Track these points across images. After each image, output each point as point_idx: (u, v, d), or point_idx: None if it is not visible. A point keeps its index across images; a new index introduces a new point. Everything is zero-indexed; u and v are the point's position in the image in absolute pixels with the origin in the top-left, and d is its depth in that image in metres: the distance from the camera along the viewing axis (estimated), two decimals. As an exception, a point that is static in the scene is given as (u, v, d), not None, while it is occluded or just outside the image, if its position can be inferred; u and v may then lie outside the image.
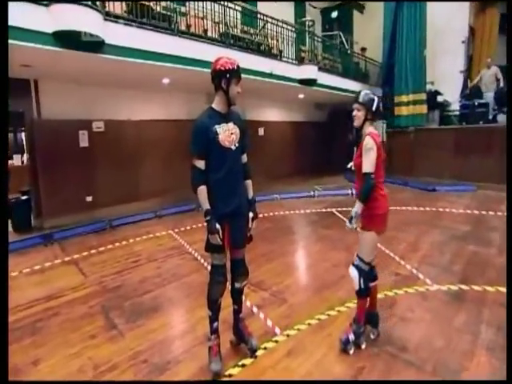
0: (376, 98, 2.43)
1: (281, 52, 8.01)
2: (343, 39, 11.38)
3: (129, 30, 4.87)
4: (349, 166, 2.53)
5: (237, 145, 2.36)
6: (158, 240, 5.35)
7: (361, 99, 2.44)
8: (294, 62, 8.01)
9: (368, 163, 2.33)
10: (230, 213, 2.33)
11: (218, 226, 2.27)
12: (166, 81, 6.61)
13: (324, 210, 6.91)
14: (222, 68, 2.25)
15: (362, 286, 2.50)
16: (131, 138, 7.22)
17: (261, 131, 10.25)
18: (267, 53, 7.53)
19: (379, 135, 2.43)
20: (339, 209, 6.92)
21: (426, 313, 3.09)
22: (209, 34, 6.47)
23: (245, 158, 2.48)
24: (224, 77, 2.26)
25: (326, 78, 8.79)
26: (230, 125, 2.35)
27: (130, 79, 6.36)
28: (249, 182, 2.50)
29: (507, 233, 4.76)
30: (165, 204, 7.32)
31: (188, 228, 5.91)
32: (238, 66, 2.29)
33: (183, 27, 5.95)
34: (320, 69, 8.57)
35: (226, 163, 2.29)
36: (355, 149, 2.47)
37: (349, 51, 11.31)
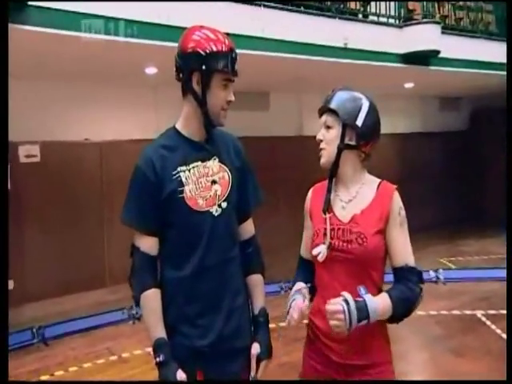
0: (366, 104, 2.23)
1: (365, 5, 8.09)
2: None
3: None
4: (316, 252, 2.16)
5: (223, 205, 2.25)
6: (125, 368, 5.33)
7: (333, 103, 2.23)
8: (391, 21, 8.14)
9: (409, 247, 2.19)
10: (206, 348, 2.20)
11: (180, 375, 2.11)
12: (150, 70, 6.89)
13: (457, 313, 6.72)
14: (196, 50, 2.12)
15: None
16: (91, 173, 7.39)
17: (330, 154, 10.16)
18: (337, 9, 7.49)
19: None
20: (491, 311, 6.67)
21: None
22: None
23: (248, 227, 2.43)
24: (197, 68, 2.13)
25: (459, 47, 8.81)
26: (212, 164, 2.27)
27: (86, 68, 6.51)
28: (257, 280, 2.41)
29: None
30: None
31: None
32: (230, 49, 2.17)
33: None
34: (446, 29, 8.64)
35: (199, 244, 2.19)
36: (326, 215, 2.21)
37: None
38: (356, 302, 1.94)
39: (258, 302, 2.38)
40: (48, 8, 4.79)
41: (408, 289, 2.08)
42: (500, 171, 11.75)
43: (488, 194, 12.48)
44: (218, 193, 2.24)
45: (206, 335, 2.20)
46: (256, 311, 2.36)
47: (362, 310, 1.94)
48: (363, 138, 2.18)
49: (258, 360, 2.27)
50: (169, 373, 2.10)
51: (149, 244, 2.19)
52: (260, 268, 2.42)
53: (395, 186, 2.21)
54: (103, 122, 7.51)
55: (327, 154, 2.24)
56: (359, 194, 2.22)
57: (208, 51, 2.10)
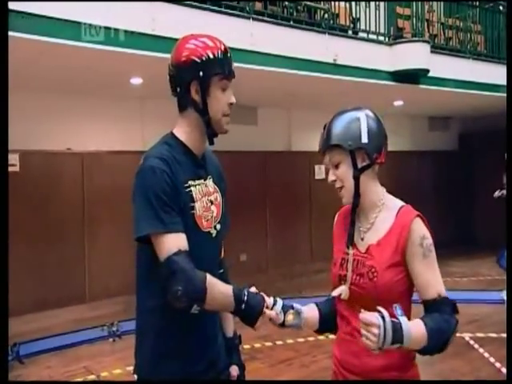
0: (363, 118, 2.08)
1: (355, 22, 8.16)
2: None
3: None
4: (337, 294, 2.11)
5: (218, 227, 2.21)
6: (102, 389, 5.53)
7: (334, 137, 2.08)
8: (381, 39, 8.26)
9: (439, 277, 2.07)
10: (197, 375, 2.14)
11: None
12: (136, 81, 6.92)
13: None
14: (191, 58, 2.08)
15: None
16: (72, 184, 7.40)
17: (319, 171, 10.29)
18: (327, 24, 7.54)
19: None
20: (479, 334, 6.64)
21: None
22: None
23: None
24: (196, 76, 2.08)
25: (448, 67, 8.80)
26: (209, 184, 2.23)
27: (69, 77, 6.54)
28: None
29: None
30: (130, 311, 7.07)
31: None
32: (225, 51, 2.15)
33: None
34: (436, 48, 8.67)
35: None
36: (348, 248, 2.13)
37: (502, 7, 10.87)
38: (392, 321, 1.78)
39: (231, 325, 2.41)
40: (30, 14, 4.71)
41: (443, 320, 1.95)
42: (490, 192, 11.83)
43: (477, 216, 12.55)
44: (214, 214, 2.20)
45: (197, 362, 2.14)
46: (230, 334, 2.38)
47: (397, 332, 1.78)
48: (375, 150, 2.07)
49: (238, 381, 2.31)
50: (258, 300, 1.97)
51: (184, 240, 1.97)
52: None
53: (416, 213, 2.09)
54: (86, 132, 7.50)
55: (346, 191, 2.10)
56: (377, 222, 2.11)
57: (204, 58, 2.07)
